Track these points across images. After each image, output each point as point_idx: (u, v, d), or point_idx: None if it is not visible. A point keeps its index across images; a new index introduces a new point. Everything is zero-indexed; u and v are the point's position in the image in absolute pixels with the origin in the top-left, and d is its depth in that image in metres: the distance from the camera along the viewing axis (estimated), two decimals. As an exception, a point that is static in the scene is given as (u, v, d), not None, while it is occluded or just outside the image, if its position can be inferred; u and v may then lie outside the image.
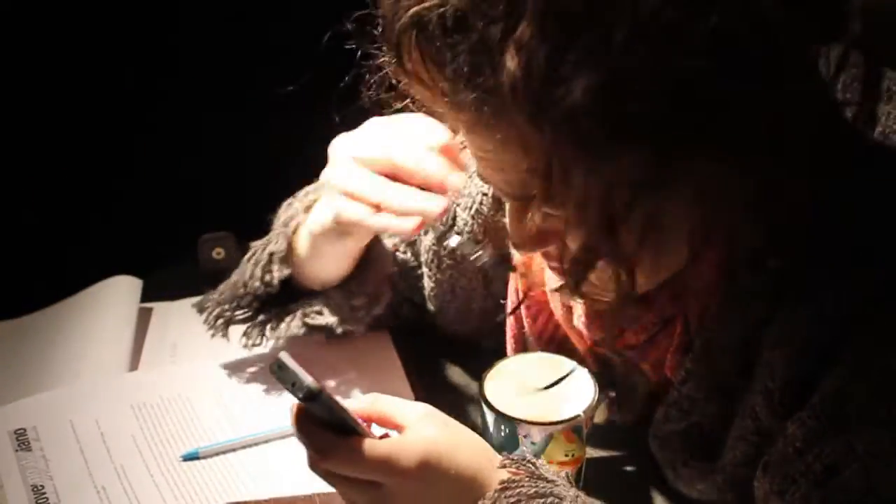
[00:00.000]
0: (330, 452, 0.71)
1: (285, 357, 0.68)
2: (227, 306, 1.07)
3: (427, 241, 1.06)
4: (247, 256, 1.08)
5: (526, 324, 0.98)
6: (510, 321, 1.00)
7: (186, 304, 1.23)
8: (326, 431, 0.71)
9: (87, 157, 1.56)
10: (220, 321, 1.08)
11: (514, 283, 0.97)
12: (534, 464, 0.74)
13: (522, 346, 1.00)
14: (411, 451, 0.71)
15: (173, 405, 1.04)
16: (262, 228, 1.23)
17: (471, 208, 1.01)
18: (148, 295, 1.22)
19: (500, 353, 1.11)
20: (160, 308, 1.22)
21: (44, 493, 0.92)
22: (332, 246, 0.99)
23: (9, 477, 0.94)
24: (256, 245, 1.08)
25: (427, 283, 1.10)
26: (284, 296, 1.06)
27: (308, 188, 1.07)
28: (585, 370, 0.92)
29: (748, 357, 0.76)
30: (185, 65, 1.61)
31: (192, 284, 1.25)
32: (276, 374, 0.68)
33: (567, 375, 0.91)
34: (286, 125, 1.71)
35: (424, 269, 1.09)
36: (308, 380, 0.67)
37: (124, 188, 1.57)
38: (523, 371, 0.94)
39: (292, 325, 1.04)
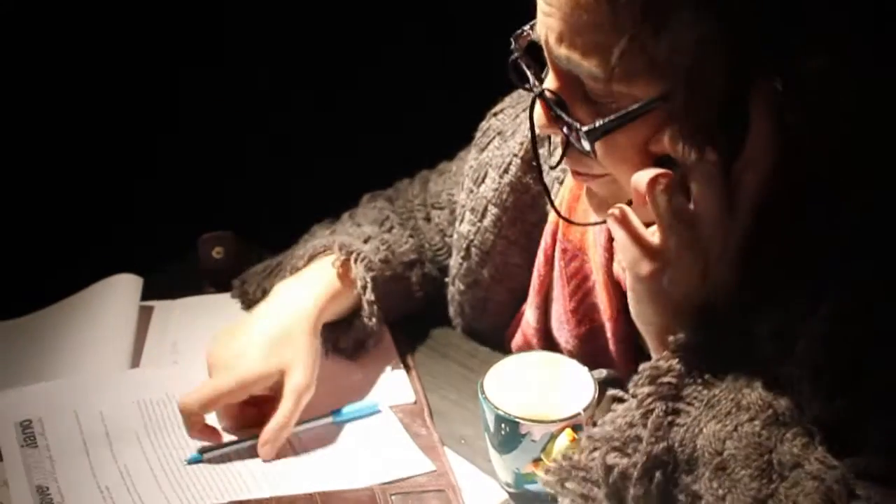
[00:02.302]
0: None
1: None
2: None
3: (465, 226, 1.09)
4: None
5: (558, 266, 1.00)
6: (539, 262, 1.03)
7: (187, 303, 1.23)
8: None
9: (87, 157, 1.56)
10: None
11: (552, 226, 1.00)
12: None
13: (545, 294, 1.03)
14: None
15: (177, 403, 1.04)
16: (262, 228, 1.23)
17: (500, 167, 1.05)
18: (149, 293, 1.22)
19: (501, 352, 1.11)
20: (161, 306, 1.22)
21: (48, 494, 0.92)
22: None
23: (14, 476, 0.94)
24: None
25: (453, 264, 1.13)
26: None
27: (324, 239, 1.11)
28: (585, 369, 0.92)
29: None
30: (184, 66, 1.61)
31: (193, 283, 1.26)
32: None
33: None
34: (286, 125, 1.72)
35: (454, 253, 1.12)
36: None
37: (125, 188, 1.57)
38: (523, 370, 0.94)
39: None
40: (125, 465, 0.96)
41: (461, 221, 1.10)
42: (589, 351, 0.99)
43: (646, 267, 0.74)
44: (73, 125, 1.54)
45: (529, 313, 1.05)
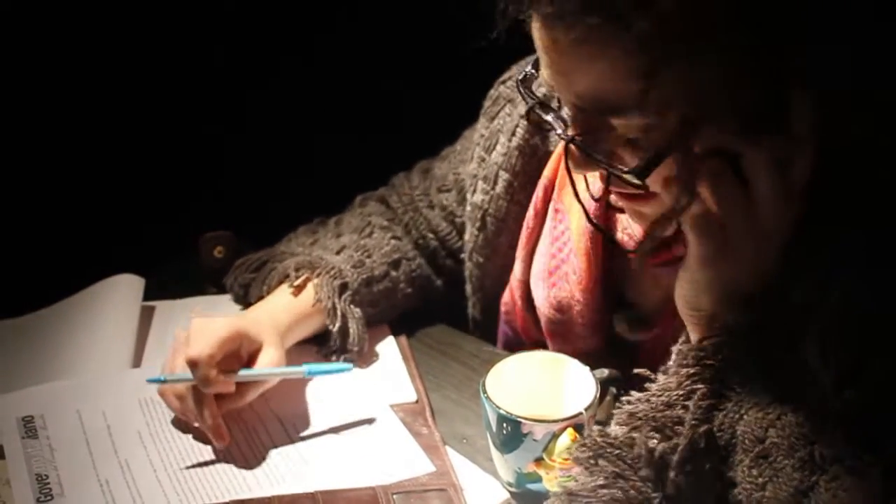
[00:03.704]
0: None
1: None
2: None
3: (478, 196, 1.10)
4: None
5: (549, 224, 1.01)
6: (529, 215, 1.04)
7: (188, 303, 1.24)
8: None
9: (89, 157, 1.56)
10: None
11: (546, 181, 1.02)
12: None
13: (532, 247, 1.04)
14: None
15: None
16: (262, 228, 1.24)
17: (510, 132, 1.06)
18: (150, 293, 1.22)
19: (503, 351, 1.11)
20: (162, 306, 1.23)
21: (47, 483, 0.93)
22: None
23: (14, 465, 0.94)
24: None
25: (469, 239, 1.13)
26: None
27: (294, 259, 1.13)
28: (587, 368, 0.92)
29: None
30: (185, 66, 1.61)
31: (194, 283, 1.26)
32: None
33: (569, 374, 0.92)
34: (286, 125, 1.72)
35: (468, 227, 1.13)
36: None
37: (126, 188, 1.58)
38: (525, 369, 0.94)
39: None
40: (126, 460, 0.96)
41: (474, 192, 1.11)
42: (559, 321, 1.00)
43: (720, 256, 0.73)
44: (74, 126, 1.54)
45: (517, 266, 1.06)
